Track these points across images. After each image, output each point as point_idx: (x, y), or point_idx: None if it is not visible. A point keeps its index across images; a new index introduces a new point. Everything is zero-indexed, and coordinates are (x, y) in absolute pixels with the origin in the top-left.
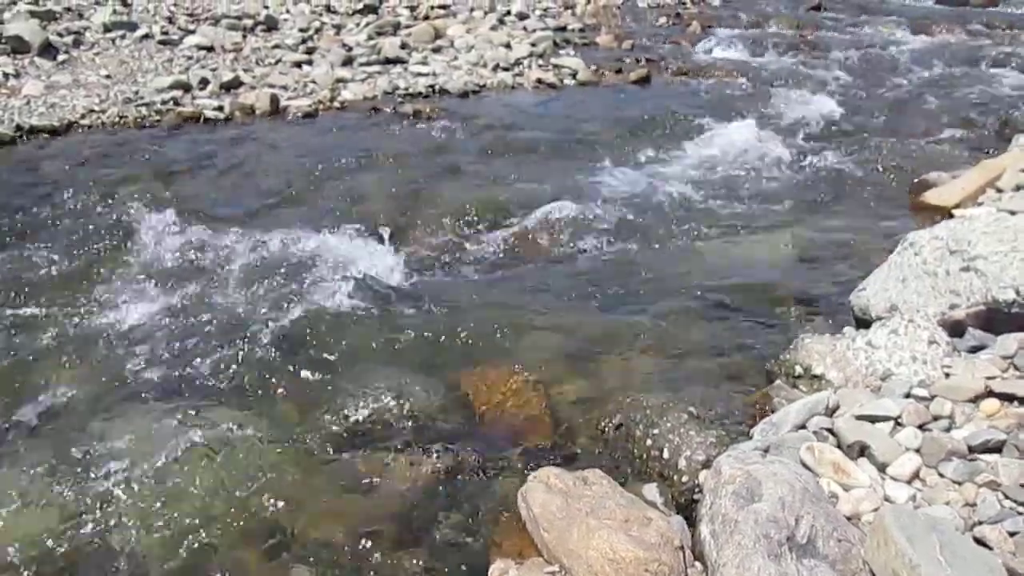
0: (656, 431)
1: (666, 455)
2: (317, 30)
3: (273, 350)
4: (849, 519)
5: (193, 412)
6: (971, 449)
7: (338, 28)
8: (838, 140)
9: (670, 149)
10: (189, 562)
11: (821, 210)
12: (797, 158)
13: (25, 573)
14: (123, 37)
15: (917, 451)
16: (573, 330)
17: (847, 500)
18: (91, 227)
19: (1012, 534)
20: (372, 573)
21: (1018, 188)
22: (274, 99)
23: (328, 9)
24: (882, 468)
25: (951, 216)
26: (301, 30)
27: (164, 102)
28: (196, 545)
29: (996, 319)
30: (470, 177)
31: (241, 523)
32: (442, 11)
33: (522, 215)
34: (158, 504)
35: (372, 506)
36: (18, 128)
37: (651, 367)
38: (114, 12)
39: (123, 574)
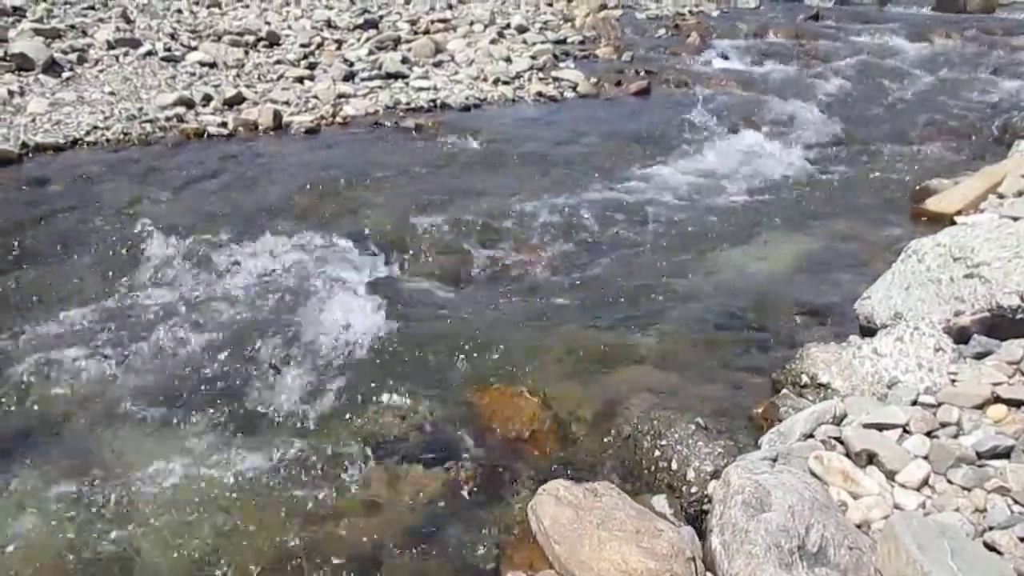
0: (664, 442)
1: (675, 466)
2: (318, 45)
3: (280, 365)
4: (859, 527)
5: (201, 427)
6: (979, 455)
7: (339, 43)
8: (838, 149)
9: (671, 160)
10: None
11: (823, 219)
12: (797, 167)
13: None
14: (127, 54)
15: (925, 458)
16: (579, 342)
17: (856, 508)
18: (96, 243)
19: (1023, 539)
20: None
21: (1019, 194)
22: (277, 115)
23: (329, 24)
24: (891, 476)
25: (953, 223)
26: (302, 46)
27: (168, 119)
28: (207, 558)
29: (1001, 325)
30: (473, 191)
31: (252, 536)
32: (442, 25)
33: (526, 228)
34: (169, 517)
35: (383, 521)
36: (24, 145)
37: (658, 378)
38: (117, 29)
39: None
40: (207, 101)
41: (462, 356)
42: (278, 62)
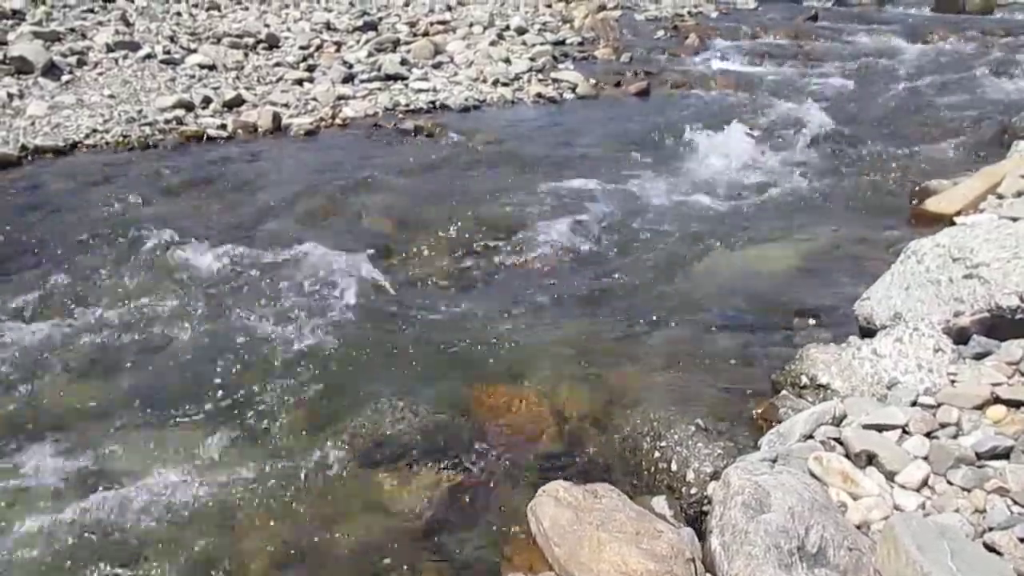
0: (664, 443)
1: (674, 467)
2: (317, 48)
3: (280, 368)
4: (859, 528)
5: (202, 434)
6: (979, 456)
7: (338, 45)
8: (838, 149)
9: (670, 162)
10: None
11: (822, 220)
12: (797, 168)
13: None
14: (126, 57)
15: (925, 459)
16: (579, 344)
17: (856, 509)
18: (95, 247)
19: (1022, 540)
20: None
21: (1019, 194)
22: (276, 117)
23: (328, 27)
24: (890, 476)
25: (952, 223)
26: (302, 48)
27: (167, 121)
28: (209, 562)
29: (1000, 325)
30: (472, 192)
31: (251, 538)
32: (441, 27)
33: (525, 229)
34: (171, 522)
35: (382, 522)
36: (23, 148)
37: (657, 379)
38: (116, 32)
39: None
40: (206, 104)
41: (462, 357)
42: (277, 64)
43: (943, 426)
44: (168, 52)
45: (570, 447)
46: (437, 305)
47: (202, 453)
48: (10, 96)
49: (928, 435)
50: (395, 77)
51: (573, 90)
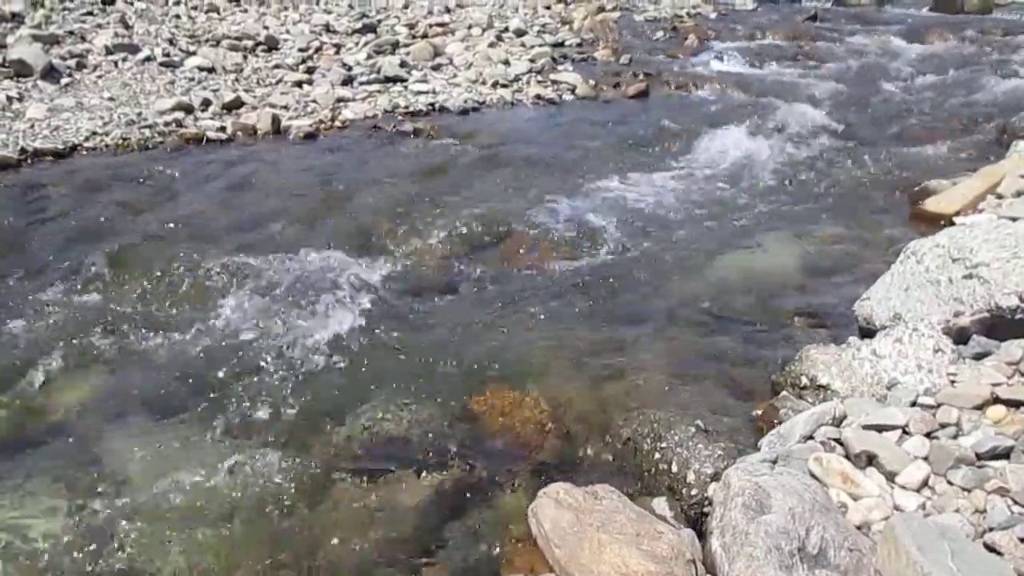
0: (664, 445)
1: (675, 468)
2: (317, 50)
3: (279, 372)
4: (859, 529)
5: (203, 437)
6: (979, 456)
7: (337, 48)
8: (837, 150)
9: (670, 163)
10: None
11: (822, 220)
12: (797, 169)
13: None
14: (125, 60)
15: (925, 459)
16: (578, 345)
17: (856, 509)
18: (95, 249)
19: (1023, 540)
20: None
21: (1018, 194)
22: (275, 119)
23: (327, 29)
24: (891, 477)
25: (952, 223)
26: (301, 50)
27: (167, 124)
28: (209, 568)
29: (1000, 325)
30: (472, 195)
31: (250, 542)
32: (440, 29)
33: (525, 231)
34: (170, 527)
35: (383, 525)
36: (22, 151)
37: (657, 381)
38: (116, 35)
39: None
40: (206, 106)
41: (462, 359)
42: (276, 66)
43: (943, 426)
44: (167, 54)
45: (570, 449)
46: (436, 307)
47: (200, 455)
48: (9, 99)
49: (928, 435)
50: (394, 79)
51: (572, 91)
